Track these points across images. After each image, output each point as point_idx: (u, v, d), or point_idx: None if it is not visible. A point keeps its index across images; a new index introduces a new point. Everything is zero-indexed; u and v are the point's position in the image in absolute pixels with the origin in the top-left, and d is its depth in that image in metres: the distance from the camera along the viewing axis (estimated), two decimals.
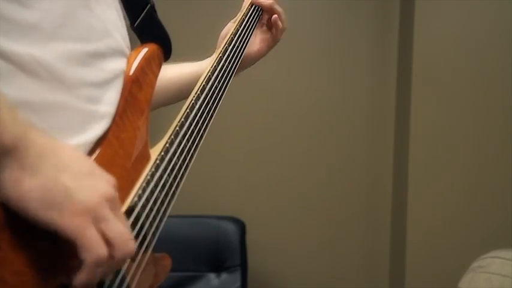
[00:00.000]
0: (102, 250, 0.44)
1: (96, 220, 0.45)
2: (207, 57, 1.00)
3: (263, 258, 2.26)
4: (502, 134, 2.09)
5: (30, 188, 0.41)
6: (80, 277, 0.44)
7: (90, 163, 0.48)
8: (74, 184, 0.44)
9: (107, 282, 0.50)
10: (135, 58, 0.63)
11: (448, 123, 2.11)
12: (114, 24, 0.62)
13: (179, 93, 0.91)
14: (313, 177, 2.30)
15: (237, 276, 2.00)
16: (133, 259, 0.55)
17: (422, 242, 2.10)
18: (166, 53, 0.70)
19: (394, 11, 2.27)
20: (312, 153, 2.31)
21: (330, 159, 2.31)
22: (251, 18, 0.98)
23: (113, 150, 0.57)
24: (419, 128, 2.11)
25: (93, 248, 0.44)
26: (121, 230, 0.47)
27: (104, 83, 0.58)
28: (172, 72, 0.92)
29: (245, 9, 0.98)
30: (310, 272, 2.30)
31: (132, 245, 0.48)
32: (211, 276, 2.02)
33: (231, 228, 2.05)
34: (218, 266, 2.03)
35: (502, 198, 2.07)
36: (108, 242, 0.45)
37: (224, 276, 2.02)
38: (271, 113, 2.27)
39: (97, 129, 0.56)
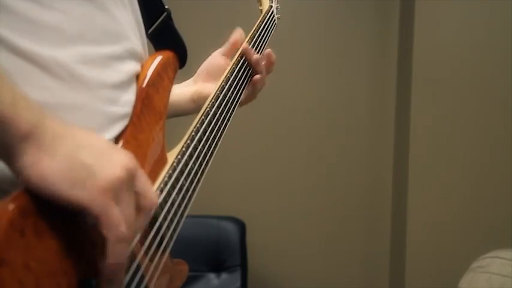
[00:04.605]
0: (122, 228, 0.45)
1: (118, 195, 0.45)
2: None
3: (263, 258, 2.26)
4: (502, 133, 2.09)
5: (50, 167, 0.42)
6: (108, 259, 0.45)
7: (105, 140, 0.49)
8: (93, 160, 0.44)
9: (126, 280, 0.50)
10: (151, 64, 0.65)
11: (448, 123, 2.11)
12: (131, 26, 0.63)
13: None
14: (313, 177, 2.30)
15: (237, 276, 2.00)
16: (151, 259, 0.55)
17: (422, 242, 2.10)
18: (181, 61, 0.71)
19: (394, 11, 2.27)
20: (312, 153, 2.31)
21: (330, 159, 2.31)
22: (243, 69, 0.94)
23: (132, 151, 0.57)
24: (419, 128, 2.11)
25: (116, 226, 0.44)
26: (146, 187, 0.48)
27: (121, 85, 0.59)
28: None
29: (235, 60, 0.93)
30: (310, 272, 2.30)
31: (155, 196, 0.50)
32: (211, 276, 2.02)
33: (231, 228, 2.06)
34: (218, 266, 2.03)
35: (502, 198, 2.07)
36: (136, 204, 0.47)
37: (224, 276, 2.02)
38: (271, 114, 2.27)
39: (115, 130, 0.57)
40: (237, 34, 0.98)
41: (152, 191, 0.50)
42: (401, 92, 2.24)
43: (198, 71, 0.98)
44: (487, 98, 2.10)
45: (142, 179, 0.49)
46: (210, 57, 0.98)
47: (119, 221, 0.44)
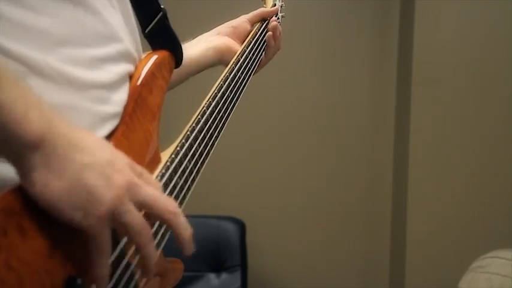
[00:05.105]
0: (108, 255, 0.47)
1: (118, 215, 0.46)
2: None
3: (263, 258, 2.26)
4: (502, 133, 2.09)
5: (58, 191, 0.43)
6: (93, 272, 0.46)
7: (110, 151, 0.49)
8: (97, 182, 0.45)
9: (115, 278, 0.50)
10: (146, 63, 0.64)
11: (448, 123, 2.11)
12: (122, 28, 0.63)
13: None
14: (313, 177, 2.30)
15: (237, 276, 2.00)
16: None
17: (422, 242, 2.10)
18: (177, 60, 0.71)
19: (394, 11, 2.27)
20: (312, 153, 2.31)
21: (330, 159, 2.31)
22: (263, 33, 1.03)
23: (123, 150, 0.57)
24: (419, 128, 2.11)
25: (104, 251, 0.47)
26: (139, 220, 0.48)
27: (112, 85, 0.59)
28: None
29: (258, 25, 1.03)
30: (310, 272, 2.30)
31: (147, 230, 0.49)
32: (211, 276, 2.02)
33: (231, 228, 2.06)
34: (218, 266, 2.03)
35: (502, 198, 2.07)
36: (129, 229, 0.48)
37: (224, 276, 2.02)
38: (271, 114, 2.27)
39: (105, 129, 0.57)
40: (270, 9, 1.06)
41: (162, 197, 0.52)
42: (401, 92, 2.24)
43: (225, 27, 1.02)
44: (487, 98, 2.10)
45: (147, 188, 0.50)
46: (237, 19, 1.03)
47: (107, 248, 0.47)
